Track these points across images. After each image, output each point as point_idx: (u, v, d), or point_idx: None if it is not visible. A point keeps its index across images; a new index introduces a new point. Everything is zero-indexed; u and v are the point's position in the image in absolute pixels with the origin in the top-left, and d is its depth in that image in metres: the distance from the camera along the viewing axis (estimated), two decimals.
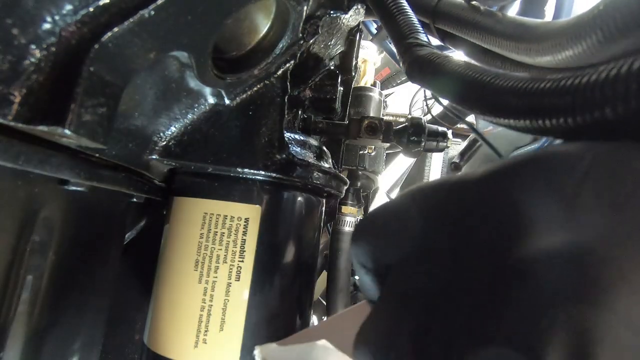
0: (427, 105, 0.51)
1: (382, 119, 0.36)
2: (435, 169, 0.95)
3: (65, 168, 0.19)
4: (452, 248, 0.12)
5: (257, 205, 0.27)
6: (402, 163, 0.96)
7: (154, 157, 0.26)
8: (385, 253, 0.14)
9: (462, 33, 0.33)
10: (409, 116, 0.50)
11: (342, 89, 0.38)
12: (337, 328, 0.20)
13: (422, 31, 0.26)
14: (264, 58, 0.27)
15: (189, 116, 0.26)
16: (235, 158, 0.27)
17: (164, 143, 0.26)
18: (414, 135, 0.35)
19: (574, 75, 0.13)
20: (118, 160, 0.23)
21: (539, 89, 0.14)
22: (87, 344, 0.27)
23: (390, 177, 0.96)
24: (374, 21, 0.62)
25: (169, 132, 0.26)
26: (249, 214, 0.27)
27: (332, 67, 0.37)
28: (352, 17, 0.35)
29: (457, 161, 0.73)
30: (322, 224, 0.34)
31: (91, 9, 0.16)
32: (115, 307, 0.31)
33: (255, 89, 0.28)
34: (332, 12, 0.32)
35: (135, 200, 0.30)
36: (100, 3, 0.16)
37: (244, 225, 0.27)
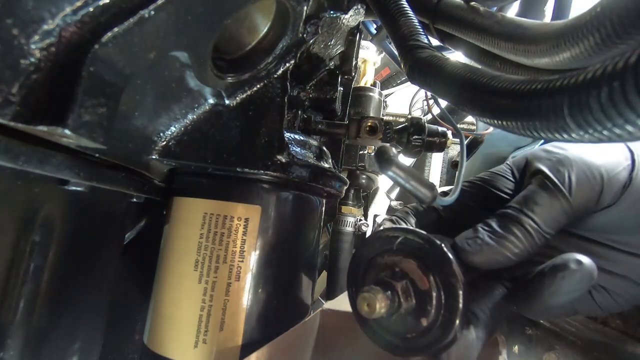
0: (428, 104, 0.51)
1: (382, 119, 0.36)
2: (435, 168, 0.95)
3: (65, 168, 0.19)
4: None
5: (257, 205, 0.27)
6: None
7: (154, 157, 0.26)
8: None
9: (461, 34, 0.33)
10: (409, 116, 0.50)
11: (342, 89, 0.38)
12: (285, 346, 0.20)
13: (423, 33, 0.26)
14: (264, 58, 0.27)
15: (189, 116, 0.27)
16: (235, 158, 0.27)
17: (164, 143, 0.26)
18: (414, 135, 0.35)
19: (563, 76, 0.13)
20: (118, 160, 0.23)
21: (531, 90, 0.14)
22: (87, 344, 0.27)
23: None
24: (374, 21, 0.62)
25: (169, 132, 0.26)
26: (249, 214, 0.27)
27: (332, 67, 0.37)
28: (352, 17, 0.35)
29: (458, 160, 0.73)
30: (322, 224, 0.34)
31: (91, 9, 0.16)
32: (115, 307, 0.31)
33: (255, 89, 0.28)
34: (332, 12, 0.32)
35: (135, 200, 0.30)
36: (100, 3, 0.16)
37: (244, 225, 0.27)
